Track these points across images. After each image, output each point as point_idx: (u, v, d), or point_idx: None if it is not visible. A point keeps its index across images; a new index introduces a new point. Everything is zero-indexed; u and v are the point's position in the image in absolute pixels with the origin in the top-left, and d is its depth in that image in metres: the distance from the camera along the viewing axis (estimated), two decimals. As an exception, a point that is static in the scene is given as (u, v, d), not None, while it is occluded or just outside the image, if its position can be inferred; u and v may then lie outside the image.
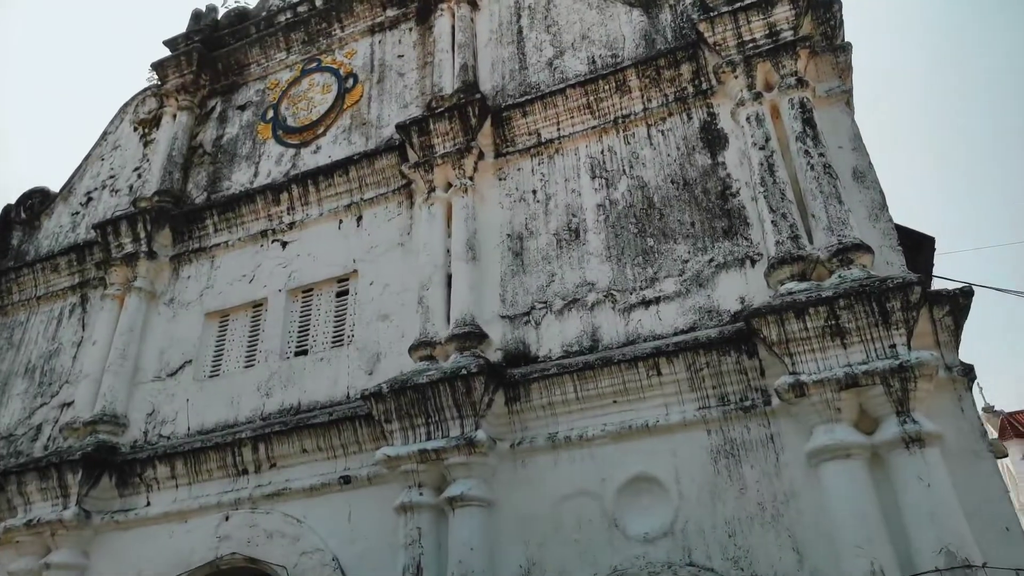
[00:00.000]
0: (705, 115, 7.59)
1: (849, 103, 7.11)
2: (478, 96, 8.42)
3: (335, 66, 10.52)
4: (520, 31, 9.32)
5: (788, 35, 7.22)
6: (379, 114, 9.68)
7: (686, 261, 6.88)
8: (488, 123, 8.35)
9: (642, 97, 7.90)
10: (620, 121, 7.91)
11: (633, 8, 8.71)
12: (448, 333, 7.17)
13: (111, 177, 11.46)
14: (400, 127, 8.59)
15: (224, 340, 8.90)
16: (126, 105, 12.16)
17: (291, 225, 9.19)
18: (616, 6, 8.84)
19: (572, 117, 8.14)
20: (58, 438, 8.80)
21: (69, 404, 9.16)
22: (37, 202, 11.89)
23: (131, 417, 8.66)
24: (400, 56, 10.09)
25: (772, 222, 6.36)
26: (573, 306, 7.10)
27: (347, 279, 8.55)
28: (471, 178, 8.08)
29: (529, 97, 8.42)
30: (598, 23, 8.83)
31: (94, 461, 7.95)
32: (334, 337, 8.23)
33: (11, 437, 9.33)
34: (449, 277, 7.64)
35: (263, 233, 9.32)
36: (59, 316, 10.23)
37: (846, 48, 7.22)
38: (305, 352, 8.28)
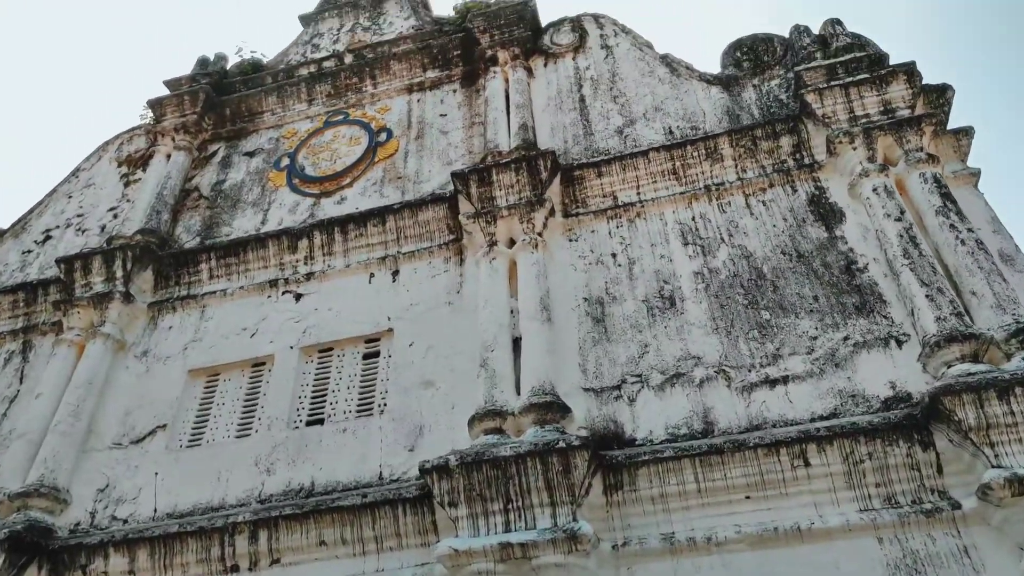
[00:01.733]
0: (812, 188, 6.91)
1: (977, 185, 6.58)
2: (549, 150, 7.57)
3: (365, 120, 9.60)
4: (582, 99, 8.69)
5: (904, 112, 6.76)
6: (417, 169, 8.69)
7: (814, 338, 5.89)
8: (557, 180, 7.46)
9: (736, 166, 7.22)
10: (713, 189, 7.15)
11: (711, 85, 8.23)
12: (523, 403, 5.84)
13: (79, 216, 9.89)
14: (457, 175, 7.59)
15: (211, 403, 7.21)
16: (108, 143, 10.81)
17: (309, 276, 7.84)
18: (692, 83, 8.36)
19: (655, 181, 7.35)
20: (-30, 513, 6.71)
21: (-12, 472, 7.13)
22: (-21, 235, 10.12)
23: (76, 492, 6.73)
24: (443, 115, 9.27)
25: (927, 297, 5.51)
26: (676, 382, 5.93)
27: (378, 339, 7.16)
28: (540, 234, 7.05)
29: (605, 158, 7.63)
30: (672, 97, 8.29)
31: (21, 546, 5.97)
32: (360, 405, 6.72)
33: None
34: (515, 341, 6.40)
35: (272, 283, 7.91)
36: (-11, 364, 8.29)
37: (968, 132, 6.80)
38: (320, 421, 6.70)
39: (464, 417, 6.11)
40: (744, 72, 8.23)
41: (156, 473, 6.70)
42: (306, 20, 12.01)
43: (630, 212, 7.27)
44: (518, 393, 6.05)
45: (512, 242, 7.13)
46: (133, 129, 10.85)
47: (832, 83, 7.05)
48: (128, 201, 9.78)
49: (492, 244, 7.09)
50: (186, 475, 6.59)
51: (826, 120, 6.93)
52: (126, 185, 10.11)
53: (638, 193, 7.37)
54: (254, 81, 10.83)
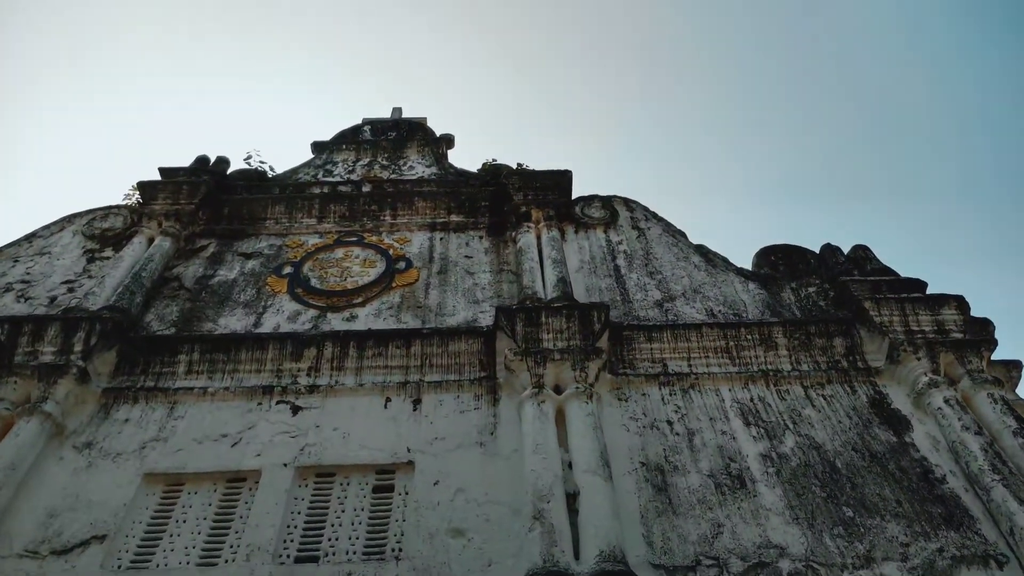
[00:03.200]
0: (871, 391, 6.76)
1: (1032, 416, 6.59)
2: (602, 303, 7.24)
3: (382, 246, 9.09)
4: (617, 268, 8.56)
5: (957, 335, 6.92)
6: (440, 302, 8.11)
7: (906, 544, 5.37)
8: (606, 336, 7.04)
9: (790, 357, 7.06)
10: (770, 375, 6.91)
11: (749, 280, 8.32)
12: (591, 568, 4.89)
13: (23, 282, 8.54)
14: (504, 311, 7.07)
15: (168, 518, 5.76)
16: (76, 215, 9.71)
17: (312, 389, 6.81)
18: (729, 274, 8.43)
19: (707, 357, 7.06)
20: None
21: None
22: None
23: (-41, 607, 4.99)
24: (467, 256, 8.91)
25: (1033, 516, 5.18)
26: (761, 572, 5.18)
27: (393, 471, 6.10)
28: (592, 384, 6.47)
29: (655, 324, 7.33)
30: (709, 283, 8.29)
31: None
32: (368, 545, 5.51)
33: None
34: (569, 496, 5.56)
35: (266, 389, 6.80)
36: None
37: (1018, 364, 6.99)
38: (315, 559, 5.40)
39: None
40: (780, 274, 8.39)
41: (82, 598, 5.10)
42: (320, 147, 11.80)
43: (683, 382, 6.85)
44: (575, 556, 5.11)
45: (558, 389, 6.49)
46: (111, 207, 9.83)
47: (887, 295, 7.20)
48: (90, 277, 8.60)
49: (539, 387, 6.42)
50: (125, 606, 5.04)
51: (883, 328, 6.98)
52: (89, 261, 8.94)
53: (689, 365, 7.01)
54: (259, 188, 10.28)
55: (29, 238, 9.34)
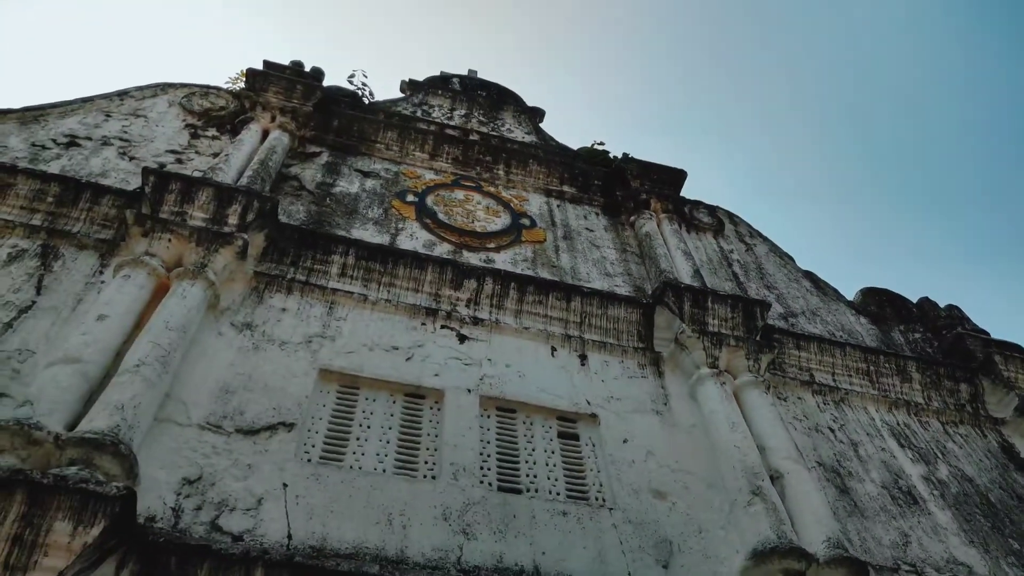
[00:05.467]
0: (1000, 439, 7.09)
1: None
2: (764, 300, 7.27)
3: (502, 198, 8.78)
4: (735, 275, 8.62)
5: (1070, 403, 7.35)
6: (573, 267, 7.89)
7: (1071, 582, 5.62)
8: (759, 333, 7.05)
9: (923, 392, 7.30)
10: (911, 405, 7.11)
11: (860, 315, 8.58)
12: (826, 553, 4.82)
13: (122, 140, 7.70)
14: (669, 284, 6.96)
15: (351, 419, 5.25)
16: (170, 84, 8.87)
17: (476, 321, 6.44)
18: (839, 304, 8.68)
19: (850, 376, 7.19)
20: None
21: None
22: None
23: (147, 471, 4.33)
24: (590, 230, 8.73)
25: None
26: (956, 585, 5.28)
27: (574, 420, 5.82)
28: (763, 376, 6.46)
29: (804, 333, 7.41)
30: (824, 309, 8.49)
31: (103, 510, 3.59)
32: (570, 488, 5.22)
33: None
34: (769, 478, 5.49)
35: (429, 311, 6.38)
36: (-19, 251, 5.64)
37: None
38: (517, 491, 5.06)
39: (718, 546, 4.99)
40: (888, 316, 8.69)
41: (285, 485, 4.54)
42: (413, 86, 11.31)
43: (833, 395, 6.94)
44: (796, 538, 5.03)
45: (724, 374, 6.42)
46: (209, 87, 9.05)
47: (1013, 354, 7.58)
48: (198, 152, 7.89)
49: (714, 368, 6.33)
50: (333, 501, 4.53)
51: (1009, 382, 7.34)
52: (193, 136, 8.18)
53: (834, 379, 7.12)
54: (363, 110, 9.71)
55: (120, 95, 8.43)
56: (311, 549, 4.18)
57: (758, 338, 6.82)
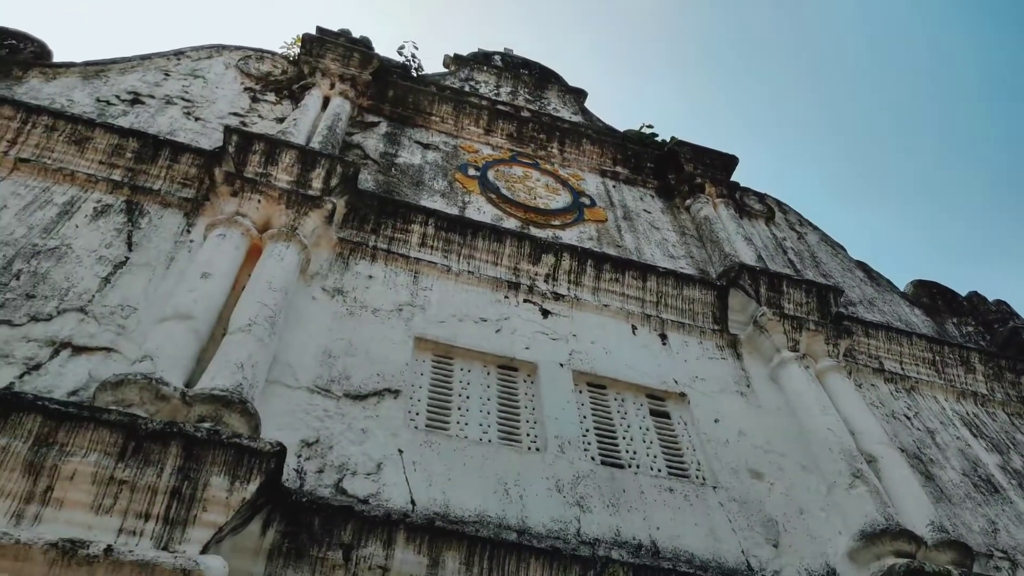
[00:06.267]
0: (1062, 431, 7.13)
1: None
2: (837, 287, 7.27)
3: (561, 176, 8.70)
4: (791, 262, 8.59)
5: None
6: (637, 247, 7.83)
7: None
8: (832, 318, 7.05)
9: (986, 384, 7.34)
10: (978, 396, 7.14)
11: (914, 306, 8.61)
12: (934, 538, 4.83)
13: (185, 100, 7.51)
14: (747, 268, 6.94)
15: (449, 388, 5.17)
16: (225, 47, 8.69)
17: (557, 296, 6.37)
18: (894, 295, 8.70)
19: (917, 365, 7.22)
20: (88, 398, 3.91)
21: (74, 347, 4.35)
22: (27, 50, 7.25)
23: (267, 434, 4.21)
24: (647, 212, 8.68)
25: None
26: (1045, 572, 5.32)
27: (663, 399, 5.78)
28: (840, 362, 6.46)
29: (872, 320, 7.42)
30: (879, 299, 8.51)
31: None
32: (669, 465, 5.18)
33: None
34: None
35: (511, 285, 6.30)
36: (69, 207, 5.47)
37: None
38: (619, 466, 5.02)
39: (820, 527, 4.96)
40: (941, 308, 8.73)
41: (400, 450, 4.46)
42: (459, 61, 11.14)
43: (904, 383, 6.97)
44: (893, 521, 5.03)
45: (806, 357, 6.41)
46: (264, 51, 8.88)
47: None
48: (260, 116, 7.73)
49: (795, 351, 6.32)
50: (449, 468, 4.46)
51: (1068, 378, 7.40)
52: (253, 100, 8.01)
53: (902, 368, 7.14)
54: (416, 81, 9.55)
55: (177, 54, 8.24)
56: (435, 516, 4.10)
57: (831, 323, 6.82)
